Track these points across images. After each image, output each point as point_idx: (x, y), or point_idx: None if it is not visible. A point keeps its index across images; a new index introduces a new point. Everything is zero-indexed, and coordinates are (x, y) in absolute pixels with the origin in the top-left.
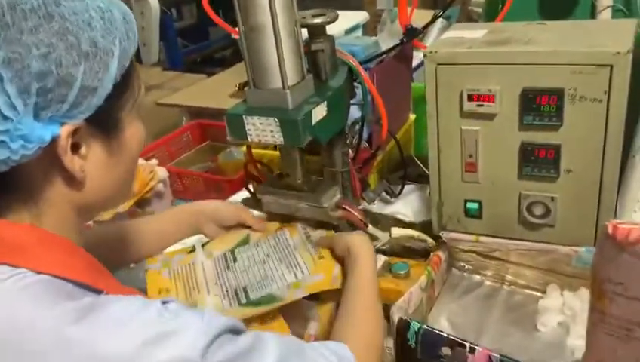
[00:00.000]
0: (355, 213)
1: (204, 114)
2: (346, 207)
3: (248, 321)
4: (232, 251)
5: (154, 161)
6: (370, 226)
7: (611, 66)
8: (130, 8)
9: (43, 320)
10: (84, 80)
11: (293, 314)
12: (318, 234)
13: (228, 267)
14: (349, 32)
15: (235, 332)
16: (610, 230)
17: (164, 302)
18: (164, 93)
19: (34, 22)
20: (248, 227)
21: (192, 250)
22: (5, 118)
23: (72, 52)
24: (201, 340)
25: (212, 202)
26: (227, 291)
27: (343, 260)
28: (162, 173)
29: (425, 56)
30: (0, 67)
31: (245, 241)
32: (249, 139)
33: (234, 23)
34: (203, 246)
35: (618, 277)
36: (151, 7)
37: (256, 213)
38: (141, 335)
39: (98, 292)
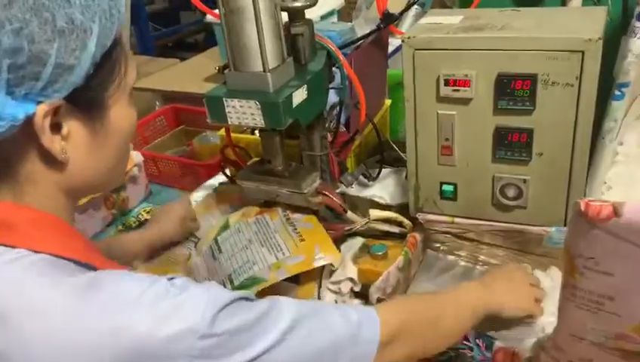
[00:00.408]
0: (335, 199)
1: (177, 98)
2: (326, 193)
3: None
4: (216, 240)
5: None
6: (349, 212)
7: (583, 52)
8: None
9: (52, 298)
10: (59, 57)
11: None
12: (299, 217)
13: (214, 259)
14: (324, 17)
15: (248, 300)
16: (582, 207)
17: (170, 279)
18: (136, 78)
19: None
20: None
21: (189, 257)
22: None
23: (46, 28)
24: (208, 310)
25: (153, 228)
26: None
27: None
28: (137, 157)
29: (403, 41)
30: None
31: (226, 226)
32: (229, 122)
33: (209, 5)
34: (195, 246)
35: (589, 253)
36: None
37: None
38: (150, 310)
39: (96, 269)
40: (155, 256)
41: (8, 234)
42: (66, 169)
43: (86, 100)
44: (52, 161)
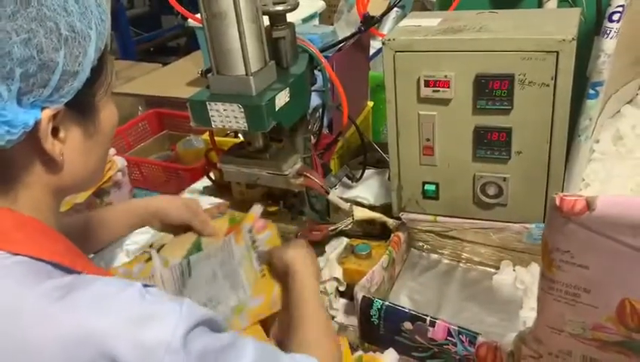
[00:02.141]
0: (316, 180)
1: (159, 103)
2: (307, 174)
3: None
4: (188, 260)
5: (112, 151)
6: (331, 193)
7: (557, 53)
8: None
9: (27, 299)
10: (66, 64)
11: None
12: (264, 238)
13: (183, 284)
14: (306, 20)
15: (215, 326)
16: (557, 202)
17: (145, 286)
18: (118, 83)
19: (11, 8)
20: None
21: (149, 258)
22: None
23: (52, 37)
24: (181, 327)
25: (160, 198)
26: None
27: (283, 278)
28: (120, 162)
29: (383, 43)
30: None
31: (198, 247)
32: (213, 125)
33: (190, 9)
34: (158, 251)
35: (565, 246)
36: None
37: (217, 200)
38: (124, 312)
39: (77, 273)
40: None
41: None
42: (61, 170)
43: (81, 104)
44: (50, 163)
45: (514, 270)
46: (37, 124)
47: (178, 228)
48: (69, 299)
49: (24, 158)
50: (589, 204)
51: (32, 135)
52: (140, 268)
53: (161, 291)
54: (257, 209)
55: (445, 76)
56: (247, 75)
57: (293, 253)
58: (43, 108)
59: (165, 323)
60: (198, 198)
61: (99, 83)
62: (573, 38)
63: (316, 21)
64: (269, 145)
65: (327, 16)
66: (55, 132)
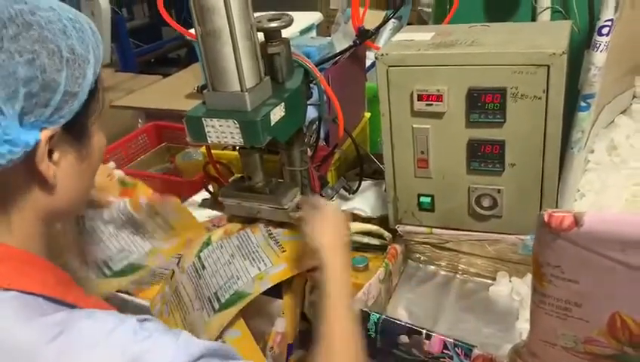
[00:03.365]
0: None
1: (159, 115)
2: None
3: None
4: (199, 257)
5: (111, 164)
6: None
7: (548, 66)
8: (79, 9)
9: (21, 338)
10: (67, 85)
11: (259, 313)
12: (281, 231)
13: (199, 276)
14: (303, 32)
15: (226, 354)
16: (545, 218)
17: (141, 320)
18: (118, 95)
19: (13, 30)
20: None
21: (172, 274)
22: None
23: (55, 58)
24: (180, 359)
25: None
26: (204, 301)
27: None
28: (120, 175)
29: (377, 58)
30: None
31: (207, 243)
32: (209, 141)
33: (187, 23)
34: (178, 263)
35: (555, 261)
36: (101, 7)
37: (215, 213)
38: (118, 352)
39: (70, 306)
40: None
41: None
42: (52, 194)
43: (76, 127)
44: (43, 186)
45: (510, 281)
46: (35, 144)
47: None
48: (62, 340)
49: (19, 180)
50: (577, 220)
51: (29, 156)
52: (169, 288)
53: (157, 324)
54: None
55: (438, 90)
56: (242, 91)
57: (323, 238)
58: (42, 129)
59: (161, 357)
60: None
61: (93, 107)
62: (563, 52)
63: (314, 33)
64: (270, 180)
65: (326, 26)
66: (50, 154)
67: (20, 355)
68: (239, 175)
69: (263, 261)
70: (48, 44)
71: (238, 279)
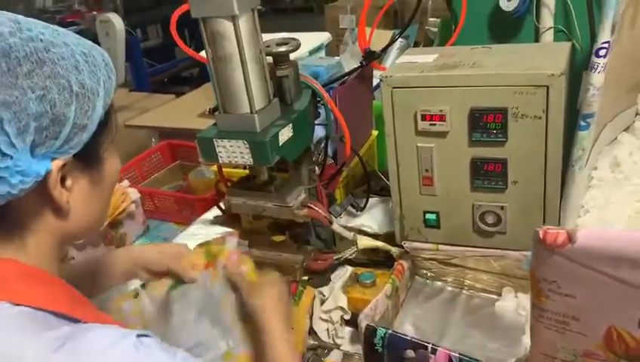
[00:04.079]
0: (320, 211)
1: (173, 134)
2: (311, 205)
3: None
4: (170, 297)
5: (125, 183)
6: (335, 223)
7: (547, 87)
8: (95, 30)
9: (28, 349)
10: (76, 118)
11: None
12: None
13: (167, 322)
14: (312, 52)
15: None
16: (541, 235)
17: (139, 335)
18: (132, 115)
19: (27, 67)
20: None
21: (136, 294)
22: (5, 155)
23: (65, 93)
24: None
25: (142, 247)
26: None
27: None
28: (134, 194)
29: (381, 80)
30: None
31: (180, 280)
32: (220, 161)
33: (200, 43)
34: (143, 286)
35: (551, 277)
36: (116, 28)
37: (227, 229)
38: None
39: (76, 321)
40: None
41: None
42: (67, 218)
43: (88, 155)
44: (56, 211)
45: (516, 296)
46: (47, 173)
47: (163, 276)
48: (64, 352)
49: (33, 206)
50: (570, 237)
51: (41, 184)
52: (130, 306)
53: (155, 341)
54: (232, 242)
55: (441, 110)
56: (251, 113)
57: (253, 297)
58: (53, 159)
59: None
60: (206, 229)
61: (105, 135)
62: (562, 73)
63: (323, 53)
64: (274, 178)
65: (335, 46)
66: (62, 181)
67: None
68: (247, 173)
69: (230, 333)
70: (59, 79)
71: (208, 350)
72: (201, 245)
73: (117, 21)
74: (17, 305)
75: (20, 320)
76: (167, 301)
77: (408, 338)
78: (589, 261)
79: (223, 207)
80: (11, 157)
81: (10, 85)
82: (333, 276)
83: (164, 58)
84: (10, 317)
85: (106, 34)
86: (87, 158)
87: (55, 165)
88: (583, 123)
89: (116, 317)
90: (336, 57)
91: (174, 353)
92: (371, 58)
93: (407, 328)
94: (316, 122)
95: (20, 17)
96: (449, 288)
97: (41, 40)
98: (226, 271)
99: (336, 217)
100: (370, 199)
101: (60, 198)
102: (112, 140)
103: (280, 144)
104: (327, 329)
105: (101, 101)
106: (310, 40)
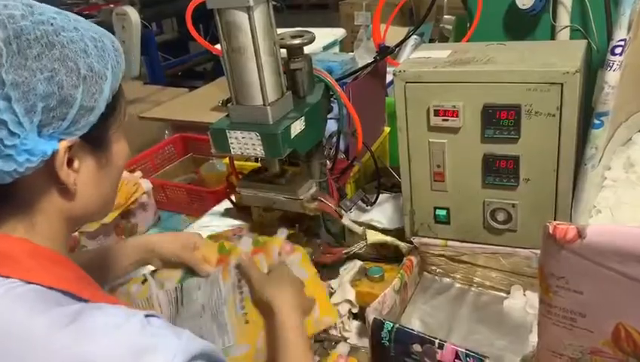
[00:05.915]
0: (330, 205)
1: (185, 127)
2: (322, 199)
3: None
4: (181, 285)
5: (138, 174)
6: (345, 217)
7: (562, 84)
8: (112, 23)
9: (36, 325)
10: (83, 100)
11: None
12: (295, 258)
13: (177, 311)
14: (327, 47)
15: (214, 360)
16: (550, 230)
17: (147, 316)
18: (146, 107)
19: (37, 50)
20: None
21: (145, 279)
22: (13, 133)
23: (72, 76)
24: (179, 358)
25: (157, 235)
26: None
27: (267, 317)
28: (146, 185)
29: (394, 75)
30: (9, 89)
31: (192, 272)
32: (232, 152)
33: (215, 38)
34: (153, 274)
35: (560, 272)
36: (132, 22)
37: (238, 222)
38: (125, 344)
39: (84, 301)
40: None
41: (5, 265)
42: (74, 199)
43: (95, 137)
44: (64, 191)
45: (524, 294)
46: (54, 153)
47: (177, 265)
48: (74, 327)
49: (42, 186)
50: (580, 232)
51: (49, 164)
52: (138, 289)
53: (162, 321)
54: (283, 232)
55: (454, 106)
56: (264, 105)
57: (271, 290)
58: (60, 140)
59: (164, 355)
60: (217, 221)
61: (112, 118)
62: (576, 71)
63: (337, 49)
64: (285, 171)
65: (349, 42)
66: (70, 162)
67: (37, 343)
68: (258, 165)
69: (227, 333)
70: (68, 62)
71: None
72: (211, 237)
73: (133, 14)
74: (29, 283)
75: (32, 297)
76: (179, 292)
77: (415, 332)
78: (598, 257)
79: (234, 200)
80: (19, 136)
81: (20, 66)
82: (341, 269)
83: (178, 52)
84: (22, 294)
85: (122, 27)
86: (95, 141)
87: (62, 146)
88: (597, 121)
89: (123, 299)
90: (350, 53)
91: (181, 332)
92: (385, 53)
93: (414, 323)
94: (329, 116)
95: (34, 2)
96: (457, 284)
97: (52, 24)
98: (241, 268)
99: (346, 211)
100: (380, 195)
101: (67, 179)
102: (120, 125)
103: (292, 137)
104: (335, 322)
105: (109, 85)
106: (325, 35)
